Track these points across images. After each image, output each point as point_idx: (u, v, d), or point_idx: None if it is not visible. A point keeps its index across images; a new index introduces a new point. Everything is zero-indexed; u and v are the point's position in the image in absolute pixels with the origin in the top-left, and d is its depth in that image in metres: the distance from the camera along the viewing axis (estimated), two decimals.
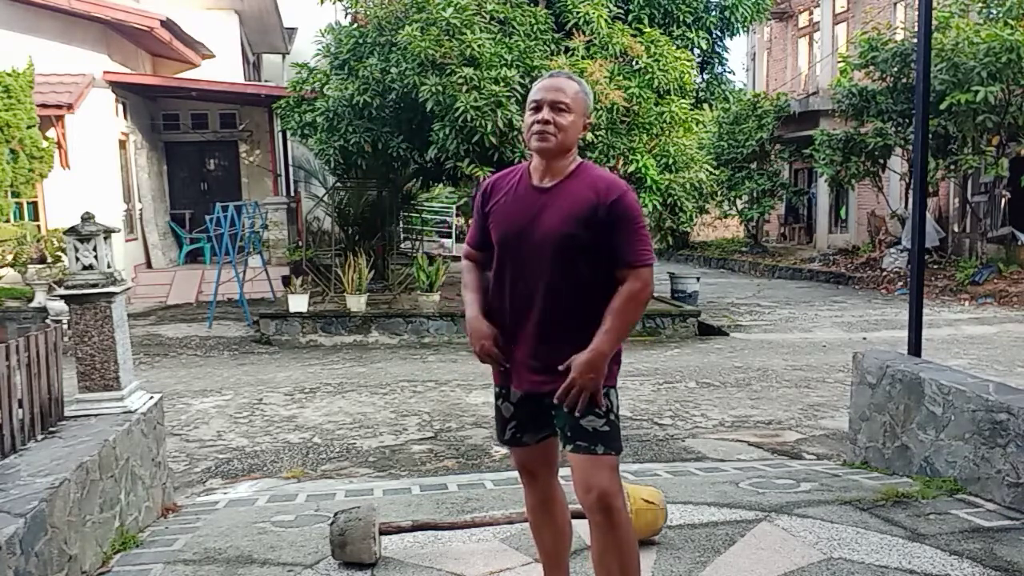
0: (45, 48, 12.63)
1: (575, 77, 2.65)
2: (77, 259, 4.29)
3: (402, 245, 17.39)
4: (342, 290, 11.52)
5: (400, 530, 3.67)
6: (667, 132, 11.25)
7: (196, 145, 16.57)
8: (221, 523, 4.12)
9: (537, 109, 2.54)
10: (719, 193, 19.25)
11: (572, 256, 2.52)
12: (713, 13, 12.54)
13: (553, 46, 11.18)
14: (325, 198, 14.42)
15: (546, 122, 2.51)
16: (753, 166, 20.20)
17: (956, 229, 16.49)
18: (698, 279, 13.47)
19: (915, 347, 4.82)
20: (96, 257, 4.29)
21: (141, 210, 14.99)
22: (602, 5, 11.17)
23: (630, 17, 11.91)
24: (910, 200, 14.54)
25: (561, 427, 2.61)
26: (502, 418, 2.77)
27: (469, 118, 10.05)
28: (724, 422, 6.64)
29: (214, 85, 14.77)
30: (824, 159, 16.11)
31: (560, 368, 2.45)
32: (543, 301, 2.55)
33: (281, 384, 8.35)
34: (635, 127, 10.91)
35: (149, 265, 14.89)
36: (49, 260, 11.30)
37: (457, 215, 20.21)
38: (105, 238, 4.34)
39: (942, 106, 12.77)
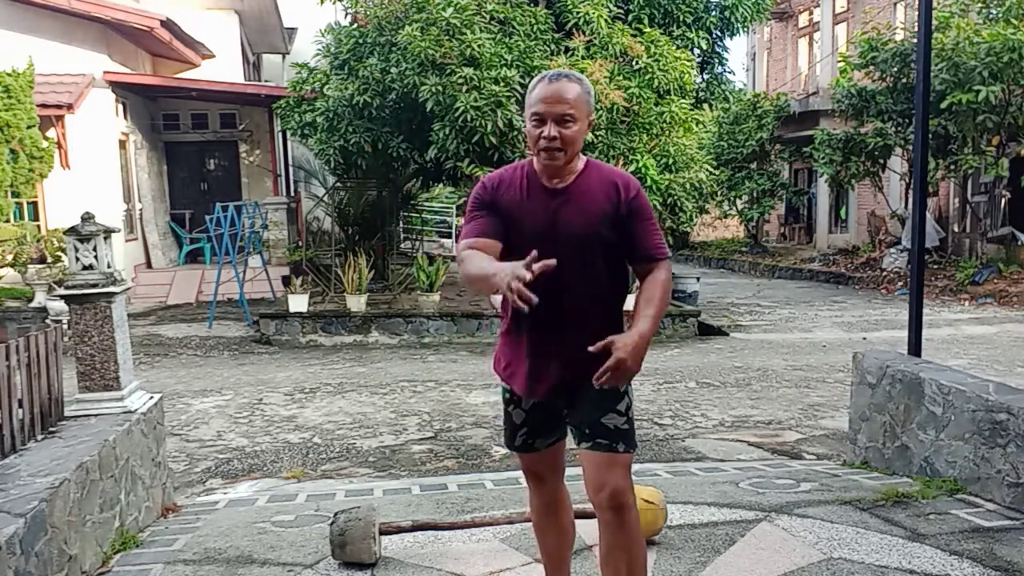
0: (45, 48, 12.63)
1: (574, 75, 2.55)
2: (77, 259, 4.29)
3: (402, 245, 17.37)
4: (342, 290, 11.52)
5: (400, 530, 3.67)
6: (667, 132, 11.25)
7: (196, 145, 16.57)
8: (221, 523, 4.12)
9: (541, 122, 2.46)
10: (719, 193, 19.20)
11: (595, 254, 2.53)
12: (713, 13, 12.55)
13: (553, 46, 11.19)
14: (325, 198, 14.41)
15: (553, 138, 2.44)
16: (753, 166, 20.19)
17: (956, 229, 16.49)
18: (698, 279, 13.47)
19: (915, 347, 4.82)
20: (96, 257, 4.29)
21: (141, 210, 14.99)
22: (602, 5, 11.17)
23: (630, 17, 11.92)
24: (910, 200, 14.54)
25: (577, 425, 2.58)
26: (513, 424, 2.73)
27: (469, 118, 10.05)
28: (724, 422, 6.64)
29: (214, 85, 14.78)
30: (824, 159, 16.10)
31: (591, 349, 2.36)
32: (571, 300, 2.52)
33: (281, 384, 8.34)
34: (635, 127, 10.91)
35: (149, 265, 14.89)
36: (49, 260, 11.30)
37: (457, 215, 20.17)
38: (105, 238, 4.34)
39: (942, 106, 12.76)
